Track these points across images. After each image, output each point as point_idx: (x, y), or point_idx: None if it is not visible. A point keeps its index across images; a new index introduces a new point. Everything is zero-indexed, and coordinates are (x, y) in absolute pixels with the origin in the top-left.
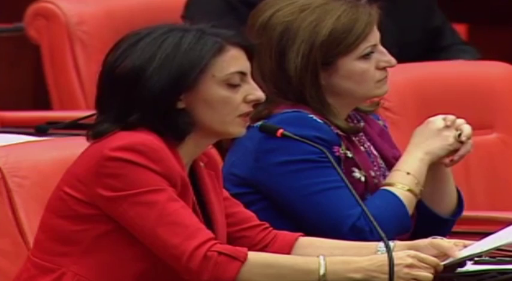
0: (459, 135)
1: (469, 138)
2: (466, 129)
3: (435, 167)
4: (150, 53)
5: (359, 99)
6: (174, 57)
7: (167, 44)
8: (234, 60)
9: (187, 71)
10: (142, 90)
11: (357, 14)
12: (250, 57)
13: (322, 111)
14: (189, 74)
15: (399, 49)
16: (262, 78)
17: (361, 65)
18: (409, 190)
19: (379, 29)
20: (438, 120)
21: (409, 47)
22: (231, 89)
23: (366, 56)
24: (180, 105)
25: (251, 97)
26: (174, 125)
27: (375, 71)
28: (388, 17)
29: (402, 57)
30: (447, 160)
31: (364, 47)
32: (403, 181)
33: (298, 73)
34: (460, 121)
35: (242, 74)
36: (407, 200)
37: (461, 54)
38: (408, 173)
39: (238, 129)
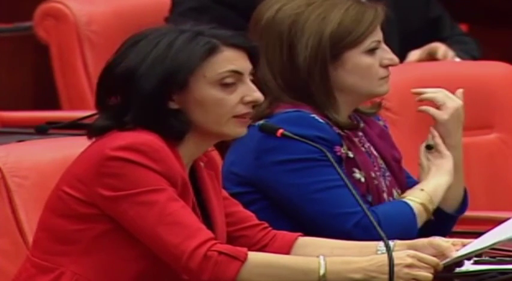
0: (426, 147)
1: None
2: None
3: None
4: (144, 53)
5: (362, 96)
6: (165, 57)
7: (161, 45)
8: (227, 61)
9: (175, 71)
10: (134, 90)
11: (364, 7)
12: (254, 59)
13: (326, 105)
14: (178, 74)
15: (401, 39)
16: (272, 73)
17: (367, 60)
18: (421, 204)
19: (382, 27)
20: (424, 159)
21: (410, 36)
22: (225, 89)
23: (371, 51)
24: (174, 105)
25: (248, 98)
26: (169, 125)
27: (378, 67)
28: (389, 7)
29: (404, 47)
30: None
31: (370, 42)
32: (415, 195)
33: (307, 64)
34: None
35: (237, 73)
36: (418, 211)
37: (460, 45)
38: (422, 190)
39: (235, 129)
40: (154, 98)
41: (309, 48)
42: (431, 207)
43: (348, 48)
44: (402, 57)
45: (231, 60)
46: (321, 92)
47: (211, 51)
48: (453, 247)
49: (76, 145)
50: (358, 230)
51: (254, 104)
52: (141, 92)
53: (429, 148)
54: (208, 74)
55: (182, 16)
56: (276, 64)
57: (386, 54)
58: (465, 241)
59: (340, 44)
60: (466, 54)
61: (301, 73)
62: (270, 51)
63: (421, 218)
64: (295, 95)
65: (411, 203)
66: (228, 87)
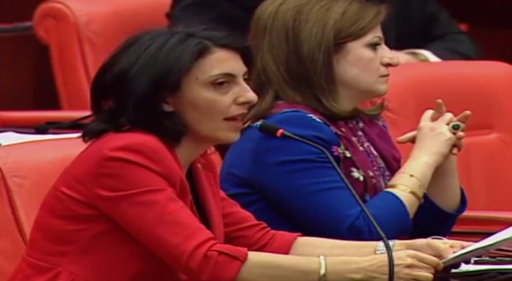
0: (453, 127)
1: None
2: (453, 118)
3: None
4: (136, 56)
5: (362, 93)
6: (155, 59)
7: (152, 47)
8: (219, 62)
9: (166, 72)
10: (127, 92)
11: (366, 4)
12: (247, 59)
13: (325, 93)
14: (168, 75)
15: (398, 38)
16: (275, 65)
17: (369, 53)
18: (412, 192)
19: (382, 27)
20: (426, 122)
21: (408, 35)
22: (217, 91)
23: (373, 46)
24: (169, 108)
25: (241, 99)
26: (164, 128)
27: (379, 64)
28: (389, 6)
29: (401, 46)
30: (453, 151)
31: (372, 36)
32: (406, 183)
33: (311, 52)
34: (447, 115)
35: (230, 76)
36: (409, 202)
37: (450, 43)
38: (411, 176)
39: (227, 134)
40: (146, 99)
41: (313, 36)
42: (421, 193)
43: (351, 40)
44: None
45: (222, 61)
46: (323, 79)
47: (202, 52)
48: (450, 249)
49: (76, 145)
50: (352, 234)
51: (248, 105)
52: (133, 93)
53: (456, 127)
54: (200, 76)
55: (185, 11)
56: (280, 55)
57: (387, 53)
58: (464, 243)
59: (343, 33)
60: (454, 53)
61: (305, 61)
62: (275, 44)
63: (413, 208)
64: (297, 85)
65: (401, 195)
66: (221, 88)
